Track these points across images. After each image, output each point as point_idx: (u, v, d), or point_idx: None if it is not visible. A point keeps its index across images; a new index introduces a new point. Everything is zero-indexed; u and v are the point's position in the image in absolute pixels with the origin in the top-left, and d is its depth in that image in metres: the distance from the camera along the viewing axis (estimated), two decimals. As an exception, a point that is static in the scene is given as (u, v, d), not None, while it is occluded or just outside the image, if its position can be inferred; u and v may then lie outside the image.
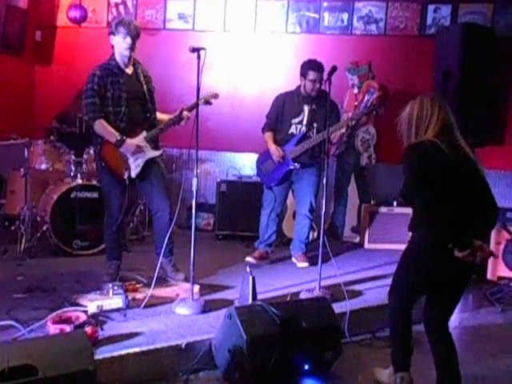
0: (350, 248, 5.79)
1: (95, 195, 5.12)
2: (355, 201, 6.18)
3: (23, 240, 4.84)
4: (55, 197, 4.97)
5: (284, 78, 6.23)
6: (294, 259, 5.10)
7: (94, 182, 5.18)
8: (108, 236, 4.25)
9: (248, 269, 3.74)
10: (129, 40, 3.96)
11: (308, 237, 5.15)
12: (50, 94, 6.77)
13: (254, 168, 5.54)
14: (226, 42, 6.69)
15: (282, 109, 4.95)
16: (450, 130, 2.85)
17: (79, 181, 5.12)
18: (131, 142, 3.99)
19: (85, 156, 5.27)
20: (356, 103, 5.87)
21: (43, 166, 5.15)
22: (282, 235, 5.76)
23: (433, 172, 2.73)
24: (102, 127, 3.96)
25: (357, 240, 6.02)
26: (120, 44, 3.98)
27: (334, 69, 4.01)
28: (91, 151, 5.29)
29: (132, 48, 4.00)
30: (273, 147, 4.90)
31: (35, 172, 5.14)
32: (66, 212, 5.02)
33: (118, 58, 4.04)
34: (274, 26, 6.65)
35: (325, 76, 4.45)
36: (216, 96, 4.22)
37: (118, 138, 3.95)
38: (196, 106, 3.90)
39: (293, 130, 4.93)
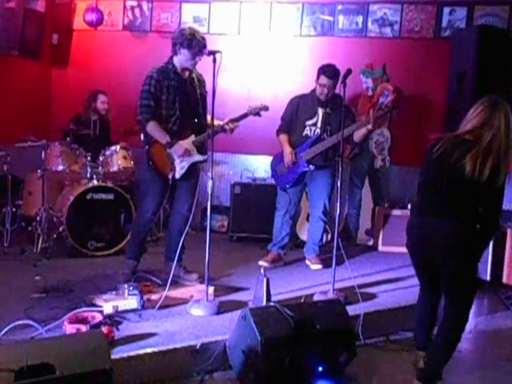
0: (364, 250, 5.78)
1: (111, 197, 5.17)
2: (369, 203, 6.17)
3: (40, 241, 4.90)
4: (71, 198, 5.03)
5: (298, 80, 6.24)
6: (307, 261, 5.10)
7: (110, 184, 5.23)
8: (134, 233, 4.33)
9: (262, 270, 3.76)
10: (198, 60, 4.08)
11: (322, 239, 5.15)
12: (67, 97, 6.84)
13: (267, 170, 5.55)
14: (240, 45, 6.71)
15: (297, 111, 4.96)
16: None
17: (95, 182, 5.17)
18: (181, 145, 4.11)
19: (100, 158, 5.32)
20: (370, 106, 5.86)
21: (60, 168, 5.20)
22: (296, 237, 5.77)
23: None
24: (155, 129, 4.08)
25: (371, 243, 6.00)
26: (187, 59, 4.08)
27: (348, 72, 4.01)
28: (107, 153, 5.35)
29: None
30: (288, 150, 4.91)
31: (52, 174, 5.20)
32: (82, 213, 5.07)
33: (176, 63, 4.14)
34: (289, 29, 6.66)
35: (340, 79, 4.47)
36: (266, 108, 4.35)
37: (169, 139, 4.07)
38: (244, 117, 4.14)
39: (307, 131, 4.93)
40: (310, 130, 4.93)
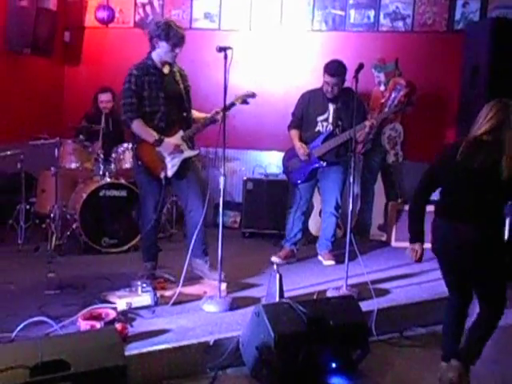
0: (377, 246, 5.77)
1: (123, 193, 5.19)
2: (382, 199, 6.14)
3: (54, 238, 4.92)
4: (84, 195, 5.06)
5: (310, 76, 6.21)
6: (320, 257, 5.10)
7: (123, 181, 5.25)
8: (143, 236, 4.31)
9: (275, 266, 3.76)
10: (177, 51, 4.02)
11: (334, 235, 5.14)
12: (79, 94, 6.86)
13: (279, 166, 5.55)
14: (251, 41, 6.70)
15: (308, 107, 4.95)
16: None
17: (108, 179, 5.20)
18: (169, 142, 4.03)
19: (113, 155, 5.34)
20: (382, 101, 5.83)
21: (73, 165, 5.23)
22: (308, 233, 5.76)
23: None
24: (140, 127, 4.00)
25: (384, 238, 5.98)
26: (165, 51, 4.01)
27: (360, 66, 4.00)
28: (119, 150, 5.37)
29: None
30: (298, 145, 4.90)
31: (65, 171, 5.23)
32: (95, 210, 5.10)
33: (155, 58, 4.07)
34: (300, 24, 6.63)
35: (349, 75, 4.45)
36: (253, 95, 4.23)
37: (156, 137, 3.99)
38: (232, 105, 4.01)
39: (319, 127, 4.92)
40: (322, 126, 4.91)
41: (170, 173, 4.09)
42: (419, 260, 3.15)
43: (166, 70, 4.12)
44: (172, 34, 3.97)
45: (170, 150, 4.04)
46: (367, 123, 4.69)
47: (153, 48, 4.06)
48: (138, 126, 4.00)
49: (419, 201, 3.14)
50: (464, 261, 2.98)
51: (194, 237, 3.95)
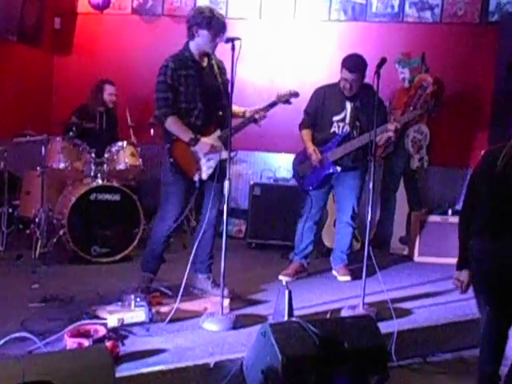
0: (398, 261, 5.75)
1: (116, 197, 5.21)
2: (404, 208, 6.13)
3: (38, 245, 4.95)
4: (73, 199, 5.07)
5: (326, 70, 6.23)
6: (334, 272, 5.09)
7: (116, 183, 5.27)
8: (153, 243, 4.26)
9: (284, 281, 3.76)
10: (218, 41, 4.03)
11: (350, 247, 5.12)
12: (70, 87, 6.91)
13: (290, 170, 5.55)
14: (261, 31, 6.74)
15: (323, 104, 4.92)
16: None
17: (99, 181, 5.22)
18: (206, 141, 4.03)
19: (106, 155, 5.36)
20: (406, 99, 5.83)
21: (61, 165, 5.25)
22: (322, 245, 5.76)
23: None
24: (175, 124, 4.02)
25: (405, 252, 5.97)
26: (206, 41, 4.03)
27: (382, 61, 3.99)
28: (113, 149, 5.39)
29: None
30: (310, 148, 4.87)
31: (52, 171, 5.25)
32: (85, 215, 5.11)
33: (194, 49, 4.09)
34: (316, 13, 6.66)
35: (369, 71, 4.45)
36: (296, 95, 4.28)
37: (192, 136, 4.00)
38: (273, 105, 4.09)
39: (335, 128, 4.89)
40: (339, 127, 4.88)
41: (204, 175, 4.09)
42: (465, 291, 3.14)
43: (204, 62, 4.15)
44: (214, 22, 4.00)
45: (206, 151, 4.04)
46: (390, 127, 4.66)
47: (191, 37, 4.08)
48: (172, 123, 4.02)
49: (467, 226, 3.11)
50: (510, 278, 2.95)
51: (195, 246, 3.95)
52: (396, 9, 6.47)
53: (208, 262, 4.31)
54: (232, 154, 4.14)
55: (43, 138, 5.10)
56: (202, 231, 4.10)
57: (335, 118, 4.89)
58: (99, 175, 5.26)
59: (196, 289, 4.29)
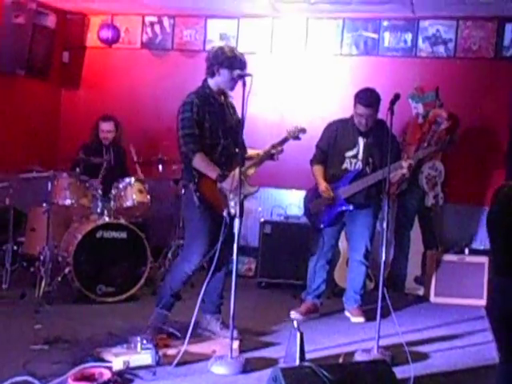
0: (414, 301, 5.71)
1: (123, 235, 5.22)
2: (419, 247, 6.10)
3: (43, 283, 4.94)
4: (79, 236, 5.08)
5: (338, 105, 6.27)
6: (347, 313, 5.05)
7: (123, 221, 5.28)
8: (173, 281, 4.23)
9: (295, 323, 3.73)
10: (238, 80, 4.05)
11: (364, 287, 5.10)
12: (77, 122, 6.98)
13: (301, 207, 5.54)
14: (272, 65, 6.80)
15: (335, 139, 4.95)
16: None
17: (106, 218, 5.23)
18: (234, 177, 4.03)
19: (113, 191, 5.39)
20: (420, 135, 5.84)
21: (67, 202, 5.27)
22: (334, 285, 5.72)
23: None
24: (203, 161, 4.06)
25: (421, 292, 5.93)
26: (226, 80, 4.11)
27: (396, 97, 4.01)
28: (120, 185, 5.42)
29: None
30: (322, 185, 4.89)
31: (58, 208, 5.27)
32: (91, 253, 5.12)
33: (213, 86, 4.17)
34: (327, 47, 6.73)
35: (382, 106, 4.47)
36: (304, 130, 4.37)
37: (220, 172, 4.05)
38: (285, 141, 4.21)
39: (347, 164, 4.92)
40: (350, 163, 4.91)
41: (233, 210, 4.06)
42: None
43: (221, 99, 4.24)
44: (237, 62, 4.07)
45: (234, 187, 4.03)
46: (404, 164, 4.67)
47: (211, 75, 4.15)
48: (200, 160, 4.06)
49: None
50: None
51: (205, 286, 3.93)
52: (409, 43, 6.52)
53: (218, 302, 4.28)
54: (255, 189, 4.25)
55: (50, 173, 5.12)
56: (212, 270, 4.07)
57: (347, 154, 4.91)
58: (106, 212, 5.28)
59: (204, 330, 4.25)
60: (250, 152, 4.35)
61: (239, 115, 4.21)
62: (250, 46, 6.84)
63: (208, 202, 4.10)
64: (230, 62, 4.06)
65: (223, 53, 4.09)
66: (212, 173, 4.06)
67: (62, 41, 7.17)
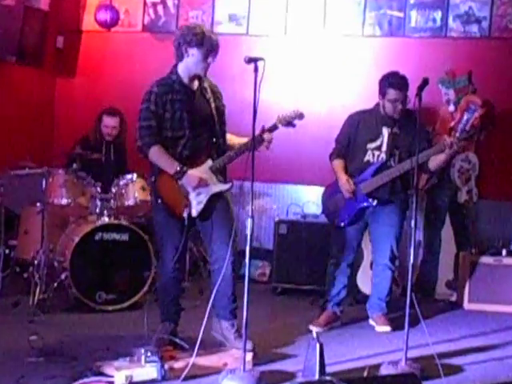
0: (445, 308, 5.71)
1: (125, 237, 5.24)
2: (451, 248, 6.08)
3: (37, 290, 4.97)
4: (77, 238, 5.10)
5: (359, 92, 6.26)
6: (371, 321, 5.05)
7: (124, 221, 5.30)
8: (160, 290, 4.34)
9: (314, 333, 3.73)
10: (210, 61, 4.11)
11: (390, 293, 5.09)
12: (73, 113, 7.01)
13: (320, 204, 5.54)
14: (287, 49, 6.80)
15: (356, 131, 4.96)
16: None
17: (106, 219, 5.25)
18: (193, 174, 4.08)
19: (113, 189, 5.41)
20: (452, 124, 5.82)
21: (63, 201, 5.30)
22: (357, 291, 5.72)
23: None
24: (159, 155, 4.08)
25: (453, 298, 5.91)
26: (196, 61, 4.10)
27: (424, 82, 3.99)
28: (121, 183, 5.43)
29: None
30: (343, 179, 4.90)
31: (54, 208, 5.30)
32: (90, 257, 5.15)
33: (182, 71, 4.16)
34: (348, 28, 6.71)
35: (411, 92, 4.45)
36: (301, 116, 4.27)
37: (178, 168, 4.05)
38: (274, 129, 4.10)
39: (369, 157, 4.92)
40: (373, 155, 4.91)
41: (194, 211, 4.12)
42: None
43: (194, 85, 4.21)
44: (206, 39, 4.06)
45: (195, 184, 4.08)
46: (448, 139, 4.63)
47: (180, 58, 4.15)
48: (156, 154, 4.08)
49: None
50: None
51: (214, 291, 3.94)
52: (438, 22, 6.49)
53: (230, 306, 4.24)
54: (226, 187, 4.23)
55: (44, 170, 5.15)
56: (215, 273, 4.14)
57: (370, 146, 4.91)
58: (106, 212, 5.29)
59: (218, 334, 4.25)
60: (234, 139, 4.32)
61: (223, 102, 4.28)
62: (262, 28, 6.85)
63: (166, 200, 4.13)
64: (199, 40, 4.04)
65: (190, 30, 4.08)
66: (169, 168, 4.06)
67: (56, 24, 7.18)
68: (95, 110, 6.15)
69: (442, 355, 4.10)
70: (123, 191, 5.43)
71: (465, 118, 5.69)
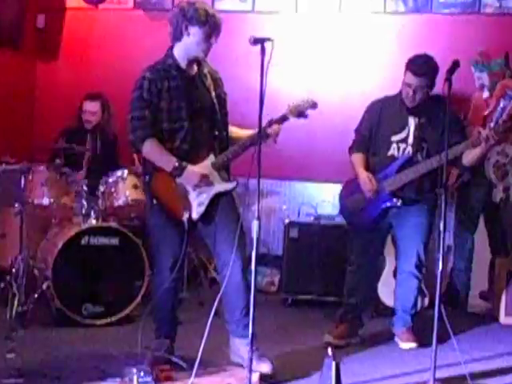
0: (479, 322, 5.70)
1: (114, 241, 5.24)
2: (485, 254, 6.09)
3: (15, 302, 4.96)
4: (60, 244, 5.10)
5: (380, 78, 6.27)
6: (395, 337, 5.05)
7: (113, 224, 5.31)
8: (155, 302, 4.30)
9: (329, 350, 3.72)
10: (213, 41, 4.09)
11: (416, 305, 5.09)
12: (56, 101, 7.02)
13: (336, 204, 5.55)
14: (298, 28, 6.80)
15: (378, 120, 4.95)
16: None
17: (93, 221, 5.26)
18: (193, 171, 4.06)
19: (101, 187, 5.42)
20: (486, 112, 5.81)
21: (45, 201, 5.31)
22: (378, 302, 5.72)
23: None
24: (154, 150, 4.07)
25: (488, 311, 5.91)
26: (198, 40, 4.07)
27: (455, 65, 3.99)
28: (110, 180, 5.44)
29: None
30: (364, 175, 4.89)
31: (34, 209, 5.32)
32: (75, 264, 5.15)
33: (179, 55, 4.14)
34: (367, 4, 6.71)
35: (438, 78, 4.45)
36: (314, 105, 4.28)
37: (176, 164, 4.03)
38: (283, 120, 4.08)
39: (393, 151, 4.91)
40: (398, 149, 4.90)
41: (195, 214, 4.10)
42: None
43: (192, 70, 4.19)
44: (209, 16, 4.05)
45: (195, 182, 4.06)
46: (484, 132, 4.60)
47: (178, 38, 4.13)
48: (150, 149, 4.06)
49: None
50: None
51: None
52: (471, -3, 6.49)
53: (244, 321, 4.16)
54: (231, 185, 4.22)
55: (23, 166, 5.16)
56: (224, 284, 4.08)
57: (394, 138, 4.90)
58: (93, 213, 5.30)
59: (237, 356, 4.22)
60: (237, 132, 4.32)
61: (224, 89, 4.28)
62: (270, 4, 6.85)
63: (162, 201, 4.11)
64: (202, 16, 4.02)
65: (191, 6, 4.07)
66: (166, 164, 4.04)
67: (37, 1, 7.20)
68: (81, 97, 6.15)
69: (475, 375, 4.12)
70: (112, 190, 5.44)
71: (501, 105, 5.70)
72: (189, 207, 4.10)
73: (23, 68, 7.23)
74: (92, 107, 6.02)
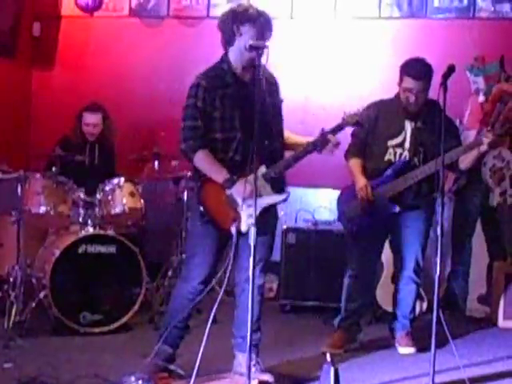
0: (477, 326, 5.69)
1: (112, 249, 5.24)
2: (483, 257, 6.08)
3: (13, 311, 4.96)
4: (57, 252, 5.11)
5: (376, 82, 6.27)
6: (395, 342, 5.05)
7: (111, 232, 5.31)
8: (174, 310, 4.23)
9: (328, 356, 3.72)
10: (267, 37, 4.00)
11: (414, 309, 5.11)
12: (52, 109, 7.02)
13: (334, 210, 5.55)
14: (294, 33, 6.80)
15: (375, 124, 4.94)
16: None
17: (90, 229, 5.26)
18: (243, 184, 3.88)
19: (98, 195, 5.42)
20: (483, 117, 5.82)
21: (42, 209, 5.29)
22: (376, 307, 5.73)
23: None
24: (206, 161, 4.00)
25: (486, 315, 5.91)
26: (251, 39, 3.93)
27: (450, 69, 3.99)
28: (107, 188, 5.43)
29: None
30: (361, 182, 4.88)
31: (31, 217, 5.30)
32: (72, 273, 5.15)
33: (234, 59, 4.05)
34: (363, 9, 6.72)
35: (433, 82, 4.45)
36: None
37: (227, 176, 3.96)
38: (340, 129, 4.05)
39: (390, 155, 4.91)
40: (395, 154, 4.89)
41: (244, 226, 3.98)
42: None
43: (247, 76, 4.08)
44: (259, 13, 3.99)
45: (246, 195, 3.90)
46: (486, 139, 4.58)
47: (229, 43, 4.03)
48: (202, 160, 4.00)
49: None
50: None
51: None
52: (465, 2, 6.50)
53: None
54: (281, 198, 4.15)
55: (19, 174, 5.15)
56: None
57: (391, 143, 4.89)
58: (90, 221, 5.31)
59: (235, 373, 4.18)
60: (293, 138, 4.27)
61: (280, 96, 4.20)
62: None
63: (210, 212, 4.04)
64: (252, 14, 3.97)
65: (239, 7, 4.04)
66: (217, 176, 3.98)
67: (32, 9, 7.20)
68: (77, 105, 6.14)
69: (474, 380, 4.11)
70: (109, 198, 5.43)
71: (497, 109, 5.71)
72: (238, 219, 4.01)
73: (19, 76, 7.24)
74: (94, 119, 6.00)
